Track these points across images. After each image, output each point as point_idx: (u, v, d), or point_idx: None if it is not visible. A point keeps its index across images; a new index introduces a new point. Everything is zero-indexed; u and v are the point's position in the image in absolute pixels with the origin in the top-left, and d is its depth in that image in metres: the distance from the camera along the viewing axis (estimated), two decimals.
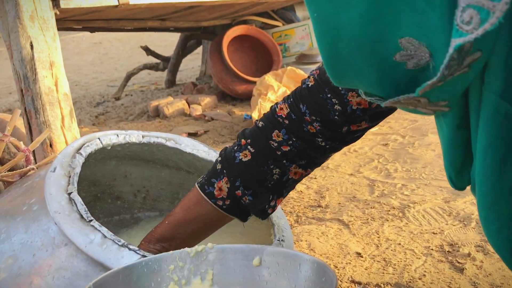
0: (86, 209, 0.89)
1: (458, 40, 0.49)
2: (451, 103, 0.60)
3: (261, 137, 0.91)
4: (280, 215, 1.12)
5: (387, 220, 1.69)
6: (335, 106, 0.87)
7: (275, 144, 0.90)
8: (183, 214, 0.94)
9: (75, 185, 0.94)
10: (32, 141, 1.79)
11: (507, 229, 0.61)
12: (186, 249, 0.78)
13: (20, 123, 2.10)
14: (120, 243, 0.84)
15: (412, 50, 0.57)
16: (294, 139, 0.89)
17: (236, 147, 0.93)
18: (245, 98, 3.74)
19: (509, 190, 0.59)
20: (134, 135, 1.16)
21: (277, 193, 0.95)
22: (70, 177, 0.96)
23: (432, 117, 0.70)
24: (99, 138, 1.10)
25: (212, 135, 3.05)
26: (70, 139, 1.81)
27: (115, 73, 7.03)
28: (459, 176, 0.69)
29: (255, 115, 2.65)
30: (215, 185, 0.92)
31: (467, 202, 1.77)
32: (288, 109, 0.90)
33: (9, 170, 1.10)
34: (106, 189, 1.36)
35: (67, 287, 0.81)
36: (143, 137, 1.18)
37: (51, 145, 1.76)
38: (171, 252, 0.78)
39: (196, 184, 0.95)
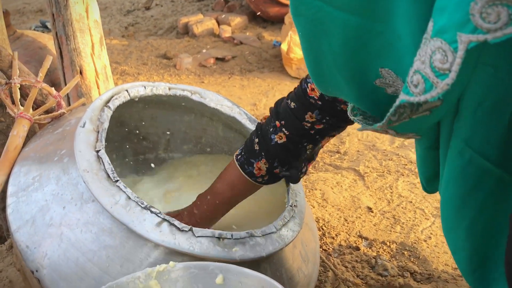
0: (113, 169, 0.94)
1: (405, 97, 0.52)
2: (420, 133, 0.63)
3: (294, 120, 0.94)
4: None
5: (403, 175, 1.72)
6: None
7: (308, 125, 0.93)
8: (231, 193, 1.04)
9: (103, 141, 0.99)
10: (63, 67, 1.83)
11: (460, 254, 0.66)
12: (147, 269, 0.79)
13: (51, 44, 2.13)
14: (143, 205, 0.90)
15: (391, 81, 0.60)
16: (328, 118, 0.92)
17: (271, 129, 0.97)
18: (277, 21, 3.65)
19: (467, 227, 0.62)
20: (161, 87, 1.19)
21: (309, 160, 1.02)
22: (98, 132, 1.01)
23: None
24: (127, 90, 1.13)
25: (239, 61, 3.03)
26: (99, 67, 1.84)
27: None
28: (430, 185, 0.73)
29: (285, 47, 2.61)
30: (254, 165, 1.00)
31: None
32: None
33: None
34: (133, 130, 1.42)
35: (93, 241, 0.89)
36: (169, 89, 1.20)
37: (81, 73, 1.80)
38: (131, 274, 0.78)
39: (235, 159, 1.03)
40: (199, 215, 1.05)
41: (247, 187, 1.03)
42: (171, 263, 0.80)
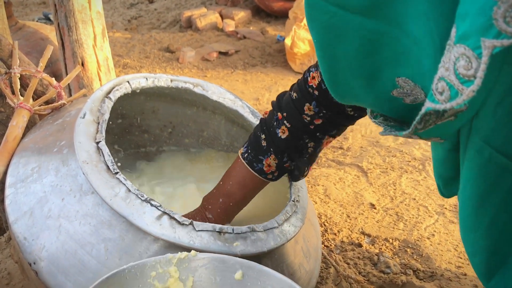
0: (113, 161, 0.92)
1: (430, 105, 0.52)
2: (444, 137, 0.62)
3: (295, 111, 0.92)
4: None
5: (406, 172, 1.70)
6: None
7: (308, 119, 0.92)
8: (243, 193, 1.02)
9: (103, 133, 0.97)
10: (64, 58, 1.81)
11: (479, 256, 0.65)
12: (168, 255, 0.79)
13: (53, 35, 2.11)
14: (143, 198, 0.88)
15: (408, 90, 0.60)
16: (325, 111, 0.91)
17: (275, 123, 0.96)
18: (281, 16, 3.63)
19: (487, 225, 0.61)
20: (162, 79, 1.17)
21: (310, 163, 1.01)
22: (99, 123, 0.99)
23: None
24: (128, 82, 1.11)
25: (243, 56, 3.01)
26: (101, 59, 1.82)
27: None
28: (447, 187, 0.71)
29: (288, 42, 2.58)
30: (264, 162, 0.98)
31: None
32: (320, 78, 0.89)
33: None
34: (135, 122, 1.40)
35: (92, 233, 0.88)
36: (171, 81, 1.18)
37: (82, 64, 1.78)
38: (153, 258, 0.78)
39: (241, 158, 1.00)
40: (214, 219, 1.02)
41: (257, 184, 1.02)
42: (192, 252, 0.80)
